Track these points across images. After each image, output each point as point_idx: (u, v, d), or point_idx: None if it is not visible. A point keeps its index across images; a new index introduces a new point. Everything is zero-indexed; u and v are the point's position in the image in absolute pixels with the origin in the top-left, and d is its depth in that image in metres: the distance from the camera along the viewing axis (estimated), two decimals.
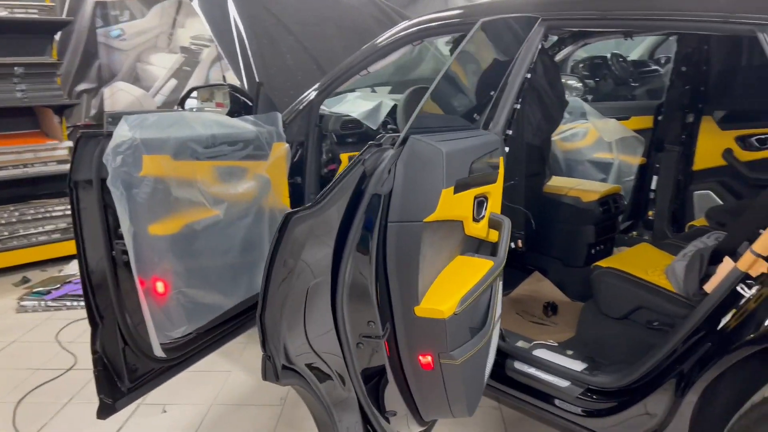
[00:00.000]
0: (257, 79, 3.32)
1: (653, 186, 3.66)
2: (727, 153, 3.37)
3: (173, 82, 6.89)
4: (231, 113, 2.84)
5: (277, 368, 1.48)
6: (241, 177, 2.55)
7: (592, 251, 3.09)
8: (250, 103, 2.93)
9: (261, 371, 1.47)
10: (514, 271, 3.23)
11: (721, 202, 3.39)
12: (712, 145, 3.40)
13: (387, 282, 1.57)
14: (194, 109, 3.06)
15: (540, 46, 2.34)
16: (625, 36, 3.06)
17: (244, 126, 2.60)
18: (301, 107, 3.01)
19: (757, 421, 1.61)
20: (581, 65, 5.03)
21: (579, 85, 4.78)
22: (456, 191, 1.63)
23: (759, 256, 1.74)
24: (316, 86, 3.01)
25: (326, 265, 1.45)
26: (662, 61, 5.24)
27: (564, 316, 2.88)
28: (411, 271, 1.56)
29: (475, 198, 1.80)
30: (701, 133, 3.44)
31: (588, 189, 3.12)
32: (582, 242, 3.05)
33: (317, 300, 1.48)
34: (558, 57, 3.78)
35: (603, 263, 2.47)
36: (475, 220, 1.85)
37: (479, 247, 2.04)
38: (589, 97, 4.65)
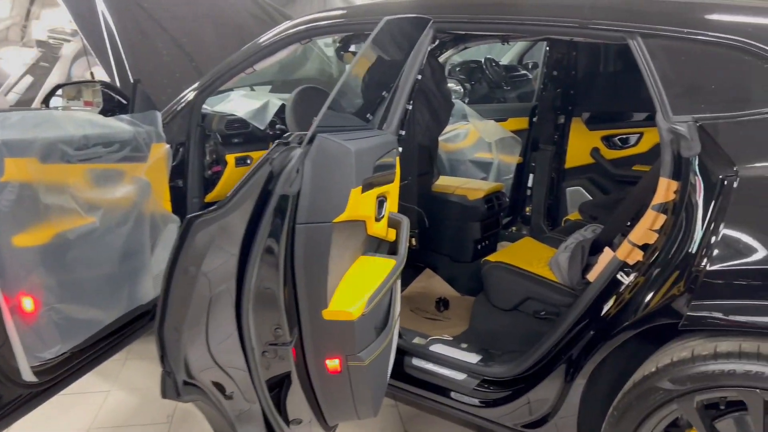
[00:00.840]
0: (131, 76, 3.10)
1: (530, 183, 3.90)
2: (595, 152, 3.65)
3: (28, 78, 6.26)
4: (104, 112, 2.62)
5: (177, 384, 1.37)
6: (118, 181, 2.36)
7: (479, 247, 3.21)
8: (125, 102, 2.72)
9: (160, 389, 1.36)
10: (406, 268, 3.27)
11: (590, 197, 3.67)
12: (582, 144, 3.67)
13: (295, 286, 1.51)
14: (60, 108, 2.79)
15: (429, 48, 2.39)
16: (503, 41, 3.24)
17: (119, 126, 2.41)
18: (180, 107, 2.86)
19: (638, 397, 1.74)
20: (458, 69, 5.23)
21: (458, 88, 4.95)
22: (363, 191, 1.62)
23: (634, 245, 1.89)
24: (196, 84, 2.86)
25: (231, 272, 1.37)
26: (530, 66, 5.57)
27: (456, 311, 2.97)
28: (320, 274, 1.52)
29: (377, 198, 1.79)
30: (571, 134, 3.71)
31: (473, 187, 3.23)
32: (469, 238, 3.16)
33: (221, 309, 1.39)
34: (440, 59, 3.89)
35: (492, 258, 2.57)
36: (377, 219, 1.84)
37: (378, 246, 2.03)
38: (466, 100, 4.83)
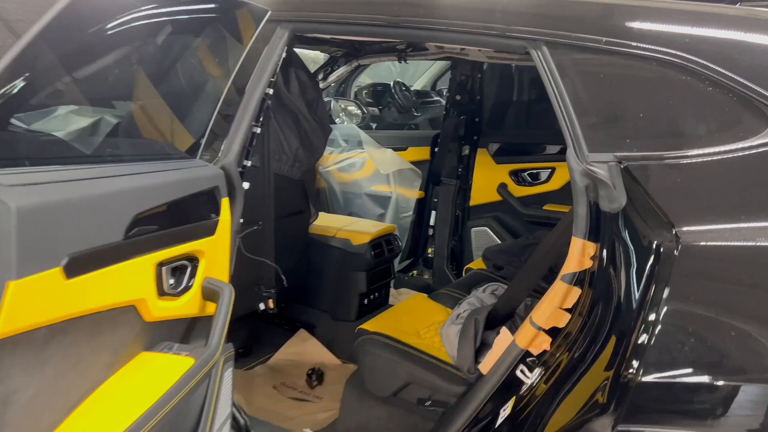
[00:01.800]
0: None
1: (432, 221, 3.44)
2: (502, 188, 3.22)
3: None
4: None
5: None
6: None
7: (365, 301, 2.66)
8: None
9: None
10: (275, 329, 2.67)
11: (497, 240, 3.22)
12: (488, 179, 3.24)
13: None
14: None
15: (284, 55, 1.84)
16: (399, 58, 2.74)
17: None
18: None
19: None
20: (365, 92, 4.81)
21: (358, 111, 4.48)
22: (90, 268, 0.99)
23: (539, 329, 1.37)
24: None
25: None
26: (444, 93, 5.17)
27: (331, 386, 2.38)
28: None
29: (161, 265, 1.18)
30: (477, 167, 3.27)
31: (359, 230, 2.68)
32: (352, 292, 2.61)
33: None
34: (331, 78, 3.37)
35: (370, 325, 2.01)
36: (168, 294, 1.24)
37: (191, 329, 1.42)
38: (374, 125, 4.42)
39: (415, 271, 3.53)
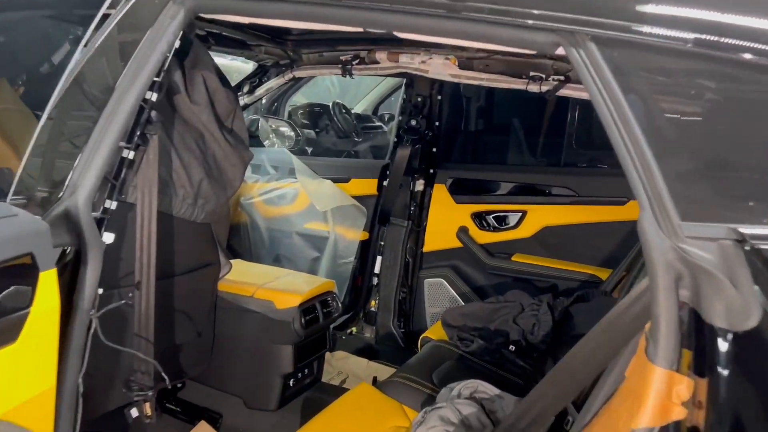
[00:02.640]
0: None
1: (377, 269, 2.90)
2: (462, 232, 2.74)
3: None
4: None
5: None
6: None
7: (290, 383, 2.02)
8: None
9: None
10: (168, 418, 1.99)
11: (455, 294, 2.74)
12: (446, 221, 2.77)
13: None
14: None
15: (178, 44, 1.24)
16: (343, 72, 2.41)
17: None
18: None
19: None
20: (300, 112, 4.39)
21: (292, 133, 3.91)
22: None
23: None
24: None
25: None
26: (386, 119, 4.92)
27: None
28: None
29: None
30: (433, 206, 2.82)
31: (285, 288, 2.06)
32: (274, 372, 1.98)
33: None
34: (260, 91, 2.80)
35: None
36: None
37: None
38: (309, 150, 3.95)
39: (354, 328, 2.95)
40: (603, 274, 2.39)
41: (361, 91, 5.27)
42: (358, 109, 5.03)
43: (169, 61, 1.24)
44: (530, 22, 0.93)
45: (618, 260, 2.40)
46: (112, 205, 1.18)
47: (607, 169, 2.60)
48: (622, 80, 0.85)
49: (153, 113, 1.26)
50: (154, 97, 1.22)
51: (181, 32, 1.22)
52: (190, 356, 1.78)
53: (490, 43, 1.10)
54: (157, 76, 1.21)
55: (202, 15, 1.27)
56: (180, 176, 1.58)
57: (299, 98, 4.87)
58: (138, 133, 1.21)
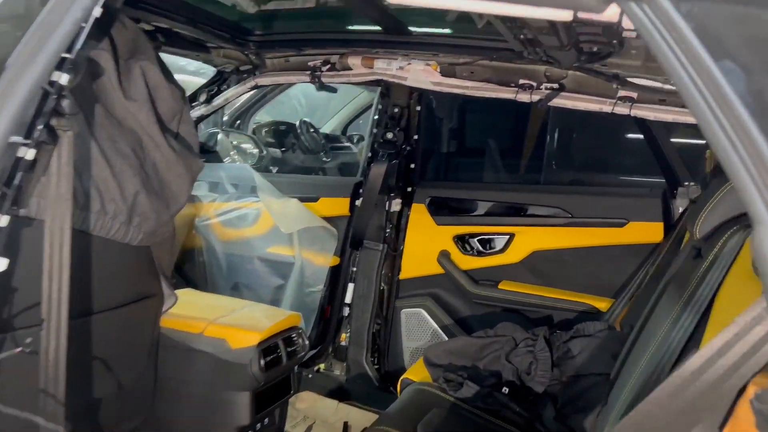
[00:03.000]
0: None
1: (348, 298, 2.68)
2: (443, 257, 2.56)
3: None
4: None
5: None
6: None
7: None
8: None
9: None
10: None
11: (436, 326, 2.54)
12: (425, 244, 2.60)
13: None
14: None
15: (99, 12, 0.95)
16: (312, 79, 2.31)
17: None
18: None
19: None
20: (264, 130, 4.35)
21: (255, 150, 3.75)
22: None
23: None
24: None
25: None
26: (355, 140, 4.99)
27: None
28: None
29: None
30: (411, 228, 2.65)
31: (242, 324, 1.78)
32: (228, 424, 1.69)
33: None
34: (218, 100, 2.60)
35: None
36: None
37: None
38: (274, 169, 3.83)
39: (322, 365, 2.71)
40: (601, 303, 2.23)
41: (330, 110, 5.26)
42: (327, 128, 4.99)
43: (86, 33, 0.96)
44: None
45: (617, 288, 2.24)
46: (1, 220, 0.89)
47: (603, 188, 2.43)
48: (712, 44, 0.60)
49: (65, 102, 0.98)
50: (63, 79, 0.93)
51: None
52: (121, 409, 1.47)
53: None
54: (68, 51, 0.93)
55: None
56: (109, 188, 1.28)
57: (264, 116, 4.78)
58: (39, 126, 0.92)
